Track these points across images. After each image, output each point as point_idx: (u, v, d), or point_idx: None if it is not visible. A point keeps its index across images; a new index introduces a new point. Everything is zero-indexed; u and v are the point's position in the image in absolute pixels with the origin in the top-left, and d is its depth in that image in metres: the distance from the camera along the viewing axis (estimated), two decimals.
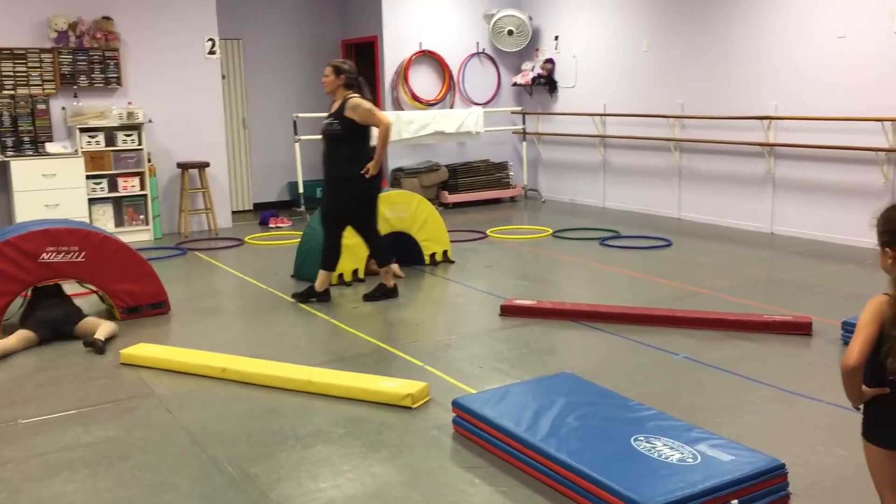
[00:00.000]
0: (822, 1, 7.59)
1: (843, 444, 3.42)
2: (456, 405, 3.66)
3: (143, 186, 8.75)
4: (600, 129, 10.12)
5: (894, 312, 2.24)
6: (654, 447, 3.07)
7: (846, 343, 4.49)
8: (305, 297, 5.99)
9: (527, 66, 11.07)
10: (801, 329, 4.94)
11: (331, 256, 6.01)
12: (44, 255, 5.24)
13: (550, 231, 8.56)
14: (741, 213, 8.55)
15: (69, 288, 5.73)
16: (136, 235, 8.65)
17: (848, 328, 4.67)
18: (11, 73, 8.25)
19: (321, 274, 6.00)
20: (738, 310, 5.44)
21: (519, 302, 5.59)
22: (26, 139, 8.34)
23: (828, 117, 7.53)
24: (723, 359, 4.56)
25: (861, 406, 2.37)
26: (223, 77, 9.88)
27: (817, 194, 7.82)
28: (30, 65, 8.31)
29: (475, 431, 3.52)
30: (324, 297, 6.00)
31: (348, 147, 5.77)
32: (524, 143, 11.07)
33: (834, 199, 7.66)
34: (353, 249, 6.44)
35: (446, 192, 10.59)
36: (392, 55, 10.56)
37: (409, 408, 3.94)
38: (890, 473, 2.35)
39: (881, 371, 2.29)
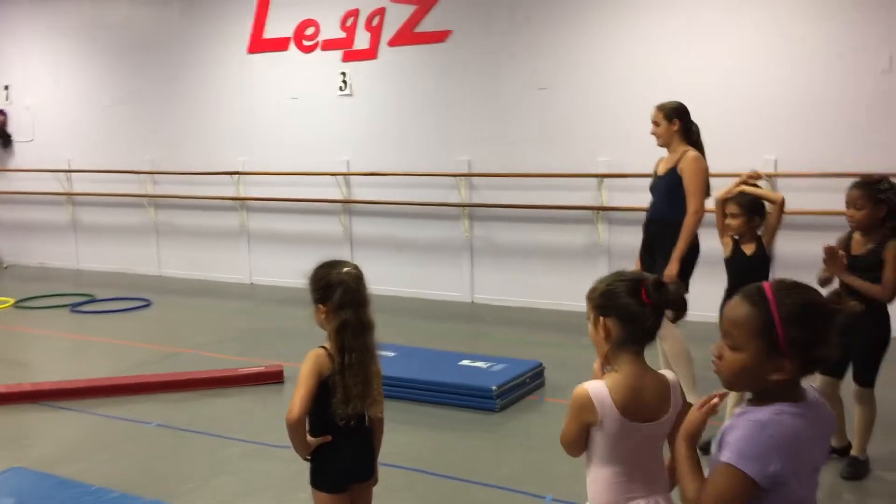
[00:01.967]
0: (279, 65, 8.08)
1: (306, 488, 3.58)
2: None
3: None
4: (66, 186, 9.41)
5: (336, 363, 2.39)
6: None
7: None
8: None
9: None
10: (274, 377, 5.12)
11: None
12: None
13: (12, 301, 7.64)
14: (221, 266, 8.65)
15: None
16: None
17: None
18: None
19: None
20: (218, 366, 5.45)
21: None
22: None
23: (287, 172, 8.03)
24: (198, 420, 4.50)
25: (309, 456, 2.48)
26: None
27: (288, 244, 8.25)
28: None
29: None
30: None
31: None
32: None
33: (303, 247, 8.12)
34: None
35: None
36: None
37: None
38: None
39: (323, 420, 2.42)
